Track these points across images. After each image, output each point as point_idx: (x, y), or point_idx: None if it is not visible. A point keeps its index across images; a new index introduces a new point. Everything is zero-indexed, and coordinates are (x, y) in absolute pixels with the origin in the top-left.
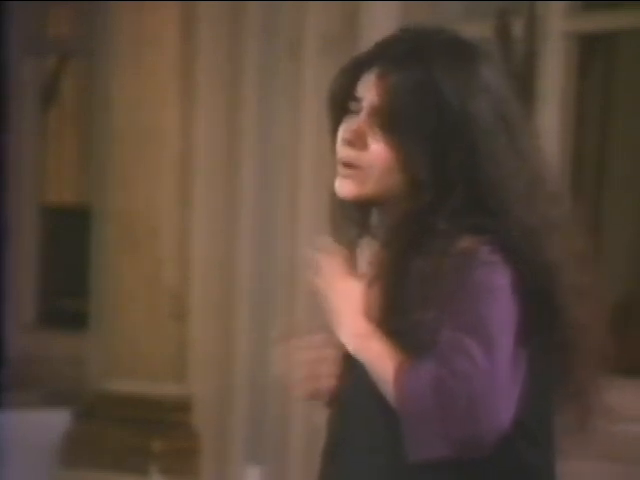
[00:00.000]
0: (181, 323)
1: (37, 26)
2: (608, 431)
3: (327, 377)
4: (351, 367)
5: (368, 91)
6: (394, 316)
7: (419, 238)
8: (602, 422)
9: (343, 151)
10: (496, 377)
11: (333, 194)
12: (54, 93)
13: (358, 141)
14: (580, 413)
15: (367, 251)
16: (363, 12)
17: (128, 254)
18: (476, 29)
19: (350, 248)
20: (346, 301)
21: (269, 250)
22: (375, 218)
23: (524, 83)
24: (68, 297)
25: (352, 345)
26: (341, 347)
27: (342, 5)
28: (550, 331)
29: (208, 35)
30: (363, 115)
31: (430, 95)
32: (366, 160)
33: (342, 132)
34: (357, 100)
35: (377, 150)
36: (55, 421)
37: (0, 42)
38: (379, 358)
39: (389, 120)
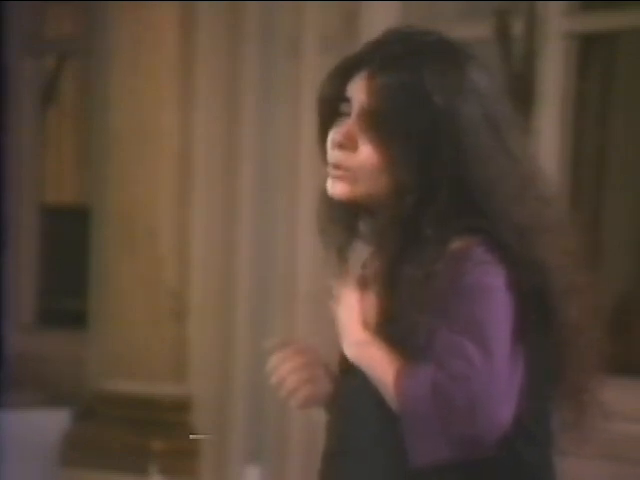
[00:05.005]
0: (181, 323)
1: (36, 26)
2: (607, 430)
3: (322, 382)
4: (350, 373)
5: (358, 93)
6: (391, 322)
7: (410, 242)
8: (600, 421)
9: (333, 153)
10: (495, 378)
11: (321, 198)
12: (53, 93)
13: (348, 143)
14: (577, 412)
15: (360, 255)
16: (363, 12)
17: (127, 254)
18: (476, 29)
19: (339, 252)
20: (345, 311)
21: (268, 250)
22: (365, 222)
23: (524, 83)
24: (68, 297)
25: (352, 352)
26: (339, 351)
27: (341, 5)
28: (545, 330)
29: (207, 35)
30: (353, 117)
31: (419, 97)
32: (355, 162)
33: (333, 134)
34: (348, 101)
35: (366, 152)
36: (55, 421)
37: None
38: (379, 364)
39: (377, 122)
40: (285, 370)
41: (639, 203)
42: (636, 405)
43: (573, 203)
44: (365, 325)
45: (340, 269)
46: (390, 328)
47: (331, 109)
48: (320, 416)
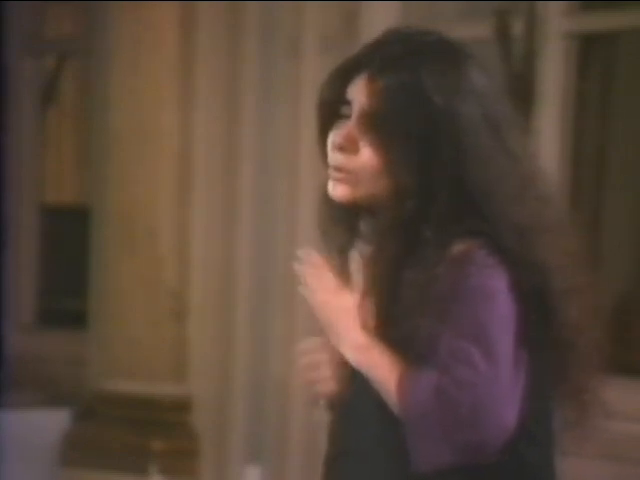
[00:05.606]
0: (181, 323)
1: (36, 26)
2: (608, 430)
3: (329, 380)
4: (352, 376)
5: (358, 95)
6: (392, 325)
7: (411, 244)
8: (600, 421)
9: (334, 156)
10: (499, 383)
11: (321, 199)
12: (53, 93)
13: (349, 145)
14: (577, 412)
15: (360, 256)
16: (363, 12)
17: (127, 254)
18: (476, 29)
19: (340, 253)
20: (342, 315)
21: (268, 250)
22: (366, 222)
23: (524, 83)
24: (68, 297)
25: (353, 358)
26: (339, 352)
27: (341, 5)
28: (546, 330)
29: (207, 35)
30: (354, 119)
31: (418, 98)
32: (357, 164)
33: (333, 136)
34: (348, 103)
35: (367, 154)
36: (55, 421)
37: None
38: (380, 369)
39: (378, 124)
40: (296, 368)
41: (639, 203)
42: (637, 405)
43: (573, 203)
44: (365, 328)
45: (340, 270)
46: (391, 331)
47: (331, 111)
48: (321, 416)
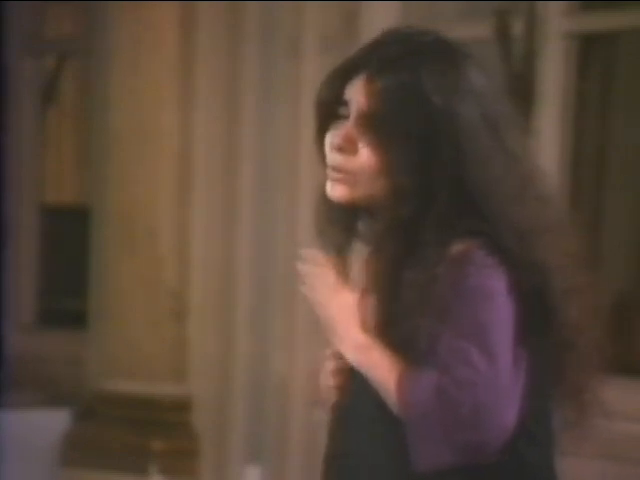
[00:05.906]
0: (181, 323)
1: (36, 26)
2: (607, 430)
3: (333, 389)
4: (352, 376)
5: (356, 95)
6: (391, 325)
7: (410, 244)
8: (600, 421)
9: (332, 157)
10: (499, 384)
11: (319, 199)
12: (53, 93)
13: (348, 146)
14: (577, 411)
15: (359, 256)
16: (363, 12)
17: (127, 254)
18: (476, 29)
19: (338, 253)
20: (342, 313)
21: (269, 250)
22: (364, 223)
23: (524, 83)
24: (68, 297)
25: (352, 357)
26: (342, 358)
27: (341, 5)
28: (546, 331)
29: (207, 35)
30: (352, 120)
31: (417, 98)
32: (355, 165)
33: (331, 137)
34: (346, 104)
35: (366, 155)
36: (55, 421)
37: None
38: (380, 369)
39: (376, 124)
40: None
41: (639, 203)
42: (637, 405)
43: (573, 203)
44: (364, 328)
45: (339, 270)
46: (391, 331)
47: (329, 112)
48: (320, 416)
